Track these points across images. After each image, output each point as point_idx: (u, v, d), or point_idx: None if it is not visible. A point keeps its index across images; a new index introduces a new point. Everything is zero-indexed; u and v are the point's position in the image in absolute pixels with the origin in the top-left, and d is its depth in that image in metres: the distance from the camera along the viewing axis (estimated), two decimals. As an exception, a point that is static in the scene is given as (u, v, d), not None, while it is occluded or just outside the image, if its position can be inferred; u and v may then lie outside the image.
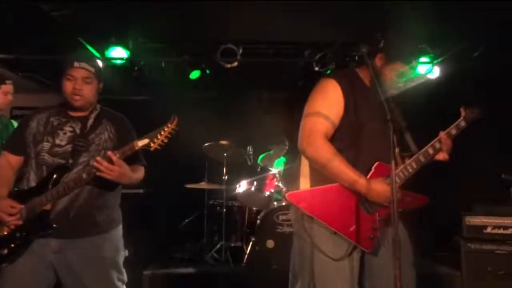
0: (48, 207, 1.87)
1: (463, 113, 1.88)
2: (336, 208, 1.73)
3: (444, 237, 3.98)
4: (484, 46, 4.19)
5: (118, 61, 4.46)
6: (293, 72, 5.18)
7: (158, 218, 4.73)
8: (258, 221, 3.93)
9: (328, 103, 1.75)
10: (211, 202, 4.39)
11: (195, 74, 5.10)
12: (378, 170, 1.75)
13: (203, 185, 4.33)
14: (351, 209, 1.74)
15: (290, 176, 4.30)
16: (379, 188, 1.68)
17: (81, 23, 3.86)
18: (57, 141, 1.95)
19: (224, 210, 4.19)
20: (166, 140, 1.85)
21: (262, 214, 4.00)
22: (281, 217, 3.85)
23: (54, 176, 1.90)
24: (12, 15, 3.63)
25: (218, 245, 4.21)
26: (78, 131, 1.99)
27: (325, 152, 1.69)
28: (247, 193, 4.12)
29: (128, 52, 4.45)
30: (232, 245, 4.23)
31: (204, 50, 4.68)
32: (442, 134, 1.85)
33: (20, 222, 1.87)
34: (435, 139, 1.84)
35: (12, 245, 1.82)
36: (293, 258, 1.85)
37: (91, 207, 1.96)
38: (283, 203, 4.01)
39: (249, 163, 4.53)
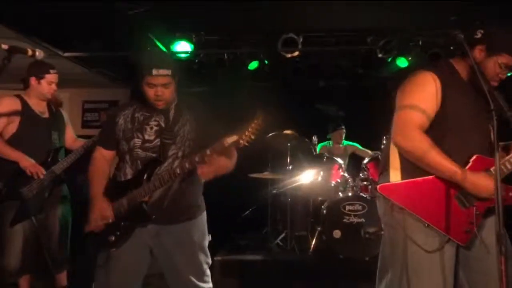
0: (146, 199, 2.01)
1: None
2: (430, 201, 1.71)
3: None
4: None
5: (183, 55, 4.61)
6: (353, 60, 5.08)
7: (221, 207, 4.87)
8: (324, 211, 3.93)
9: (425, 96, 1.71)
10: (274, 192, 4.46)
11: (253, 65, 5.14)
12: (477, 163, 1.70)
13: (266, 174, 4.39)
14: (445, 203, 1.70)
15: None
16: (483, 182, 1.63)
17: (150, 20, 4.02)
18: (146, 137, 2.08)
19: (289, 199, 4.24)
20: (253, 137, 1.86)
21: (326, 204, 3.99)
22: (347, 207, 3.84)
23: (148, 169, 2.03)
24: (89, 15, 3.85)
25: (283, 234, 4.27)
26: (163, 124, 2.10)
27: (422, 144, 1.66)
28: (314, 182, 4.13)
29: (192, 46, 4.58)
30: (297, 234, 4.27)
31: (264, 40, 4.71)
32: None
33: (109, 221, 2.04)
34: None
35: (118, 233, 2.00)
36: (382, 249, 1.85)
37: (181, 196, 2.09)
38: (349, 194, 3.99)
39: (314, 153, 4.52)
